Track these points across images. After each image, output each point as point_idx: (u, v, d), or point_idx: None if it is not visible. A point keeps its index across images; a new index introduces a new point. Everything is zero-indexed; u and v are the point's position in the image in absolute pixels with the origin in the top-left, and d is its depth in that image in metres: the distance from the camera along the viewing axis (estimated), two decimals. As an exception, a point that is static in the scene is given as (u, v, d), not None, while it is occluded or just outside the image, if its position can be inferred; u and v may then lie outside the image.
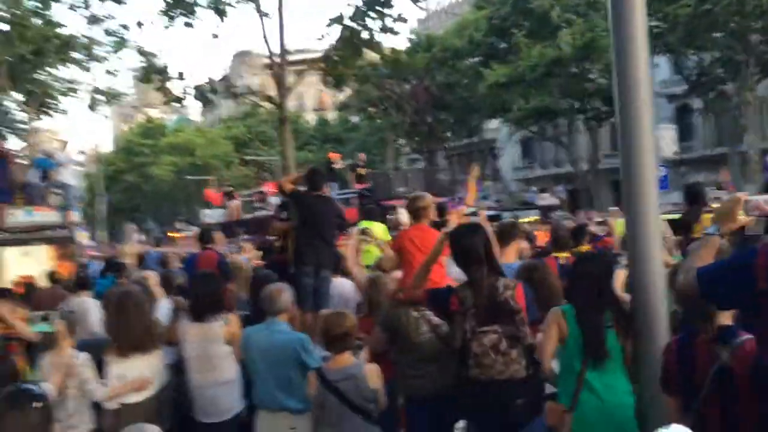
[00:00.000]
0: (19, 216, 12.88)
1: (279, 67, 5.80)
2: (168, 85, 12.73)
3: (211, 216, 50.55)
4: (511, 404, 3.52)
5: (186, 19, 12.92)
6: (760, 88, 24.30)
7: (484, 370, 3.36)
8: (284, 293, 4.68)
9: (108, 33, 14.32)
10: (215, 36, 11.54)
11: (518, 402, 3.52)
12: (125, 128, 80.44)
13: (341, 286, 6.26)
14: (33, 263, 12.71)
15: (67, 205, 13.30)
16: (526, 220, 13.67)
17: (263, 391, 4.55)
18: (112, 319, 4.74)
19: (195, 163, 47.95)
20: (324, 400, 4.19)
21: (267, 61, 63.04)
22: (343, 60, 5.56)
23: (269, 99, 9.56)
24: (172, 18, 12.82)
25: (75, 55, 19.05)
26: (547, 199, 20.41)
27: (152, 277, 6.08)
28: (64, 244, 13.26)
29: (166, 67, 5.90)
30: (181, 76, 6.21)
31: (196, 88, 5.47)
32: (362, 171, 15.90)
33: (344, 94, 36.48)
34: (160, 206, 52.13)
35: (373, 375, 4.21)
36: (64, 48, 18.29)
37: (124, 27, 13.10)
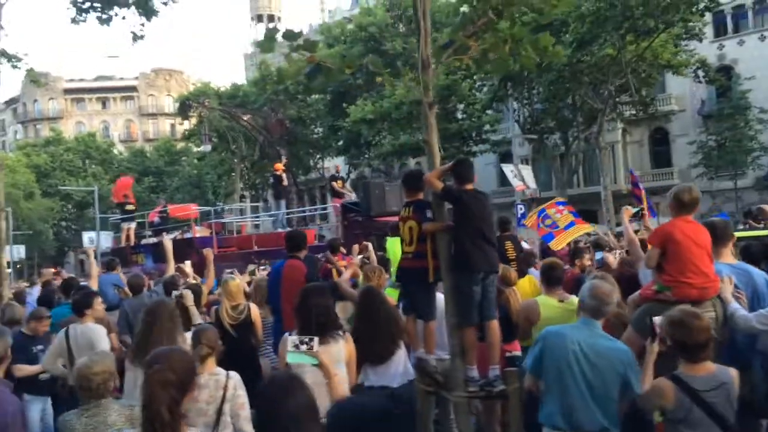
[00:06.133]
0: None
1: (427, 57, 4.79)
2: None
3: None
4: None
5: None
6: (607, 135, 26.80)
7: None
8: (616, 293, 3.94)
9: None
10: (137, 38, 9.82)
11: None
12: None
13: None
14: None
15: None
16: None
17: (572, 406, 3.72)
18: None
19: (-11, 193, 41.91)
20: (688, 414, 3.48)
21: (69, 86, 56.81)
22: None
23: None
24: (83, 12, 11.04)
25: None
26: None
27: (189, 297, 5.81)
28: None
29: (300, 32, 4.65)
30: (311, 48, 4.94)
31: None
32: (340, 183, 14.79)
33: (189, 123, 34.21)
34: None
35: (738, 382, 3.60)
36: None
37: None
